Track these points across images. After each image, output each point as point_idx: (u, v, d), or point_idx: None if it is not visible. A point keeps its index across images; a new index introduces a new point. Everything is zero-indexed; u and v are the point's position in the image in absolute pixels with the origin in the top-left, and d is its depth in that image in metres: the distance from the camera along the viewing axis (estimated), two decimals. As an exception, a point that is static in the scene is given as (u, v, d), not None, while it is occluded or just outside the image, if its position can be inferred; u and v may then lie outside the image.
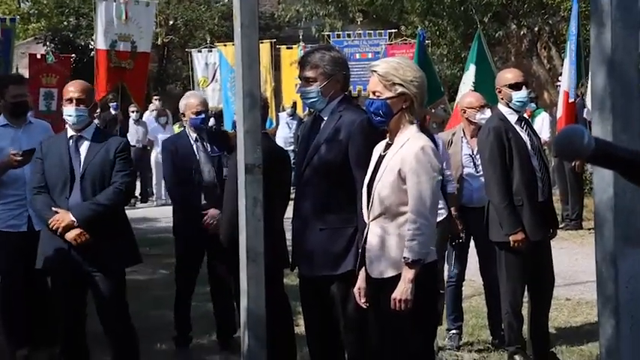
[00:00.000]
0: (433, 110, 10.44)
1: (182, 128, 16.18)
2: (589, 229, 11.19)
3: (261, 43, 13.63)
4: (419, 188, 3.91)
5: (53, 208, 5.09)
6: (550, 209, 5.88)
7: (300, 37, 17.92)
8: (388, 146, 4.10)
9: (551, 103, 16.85)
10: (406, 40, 17.52)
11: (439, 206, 4.84)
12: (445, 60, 18.76)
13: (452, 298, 6.46)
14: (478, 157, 6.22)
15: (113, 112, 15.60)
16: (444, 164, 5.79)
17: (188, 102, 6.45)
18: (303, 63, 4.72)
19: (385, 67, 4.05)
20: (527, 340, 5.86)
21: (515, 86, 5.75)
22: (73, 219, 5.03)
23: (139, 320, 5.57)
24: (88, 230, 5.03)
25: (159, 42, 25.72)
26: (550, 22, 18.21)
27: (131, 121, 16.05)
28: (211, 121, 6.74)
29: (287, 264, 5.13)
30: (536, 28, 18.69)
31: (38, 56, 15.81)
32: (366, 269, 4.12)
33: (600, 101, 3.38)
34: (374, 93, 4.07)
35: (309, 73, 4.64)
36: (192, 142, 6.38)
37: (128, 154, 5.33)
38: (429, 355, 4.29)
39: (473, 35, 11.73)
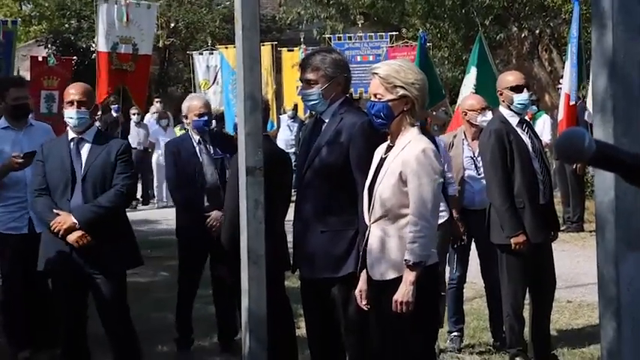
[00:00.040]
0: (434, 113, 10.44)
1: (183, 130, 16.20)
2: (590, 232, 11.18)
3: (263, 45, 13.62)
4: (420, 190, 3.91)
5: (54, 211, 5.10)
6: (551, 212, 5.88)
7: (302, 39, 17.92)
8: (389, 149, 4.10)
9: (553, 106, 16.85)
10: (407, 42, 17.53)
11: (440, 208, 4.84)
12: (446, 62, 18.77)
13: (453, 300, 6.46)
14: (479, 159, 6.23)
15: (114, 114, 15.61)
16: (445, 166, 5.79)
17: (191, 104, 6.44)
18: (304, 65, 4.72)
19: (386, 70, 4.05)
20: (529, 342, 5.86)
21: (517, 89, 5.75)
22: (75, 221, 5.04)
23: (140, 322, 5.57)
24: (90, 232, 5.03)
25: (160, 44, 25.72)
26: (551, 24, 18.22)
27: (132, 124, 16.06)
28: (212, 124, 6.71)
29: (288, 266, 5.13)
30: (537, 31, 18.69)
31: (39, 59, 15.82)
32: (367, 271, 4.12)
33: (601, 104, 3.38)
34: (375, 95, 4.07)
35: (310, 76, 4.64)
36: (195, 144, 6.37)
37: (129, 157, 5.34)
38: (430, 358, 4.29)
39: (474, 38, 11.73)
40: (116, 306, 5.20)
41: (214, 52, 18.08)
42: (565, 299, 7.74)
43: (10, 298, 6.05)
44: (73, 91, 5.28)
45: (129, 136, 15.23)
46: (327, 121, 4.66)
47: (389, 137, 4.13)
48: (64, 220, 5.05)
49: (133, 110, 15.91)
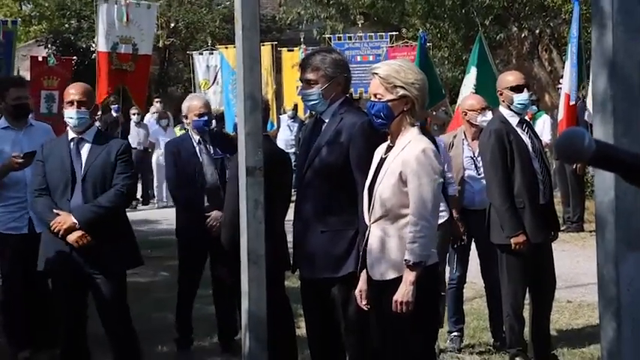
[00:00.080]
0: (434, 113, 10.46)
1: (183, 131, 16.21)
2: (590, 232, 11.18)
3: (263, 45, 13.62)
4: (420, 191, 3.91)
5: (54, 211, 5.10)
6: (551, 212, 5.88)
7: (302, 39, 17.92)
8: (389, 149, 4.10)
9: (553, 106, 16.85)
10: (407, 42, 17.53)
11: (440, 208, 4.84)
12: (446, 62, 18.77)
13: (453, 300, 6.46)
14: (479, 159, 6.23)
15: (114, 114, 15.61)
16: (445, 166, 5.79)
17: (191, 104, 6.44)
18: (304, 65, 4.72)
19: (386, 70, 4.05)
20: (529, 342, 5.86)
21: (517, 89, 5.75)
22: (75, 221, 5.04)
23: (140, 322, 5.57)
24: (90, 232, 5.03)
25: (160, 44, 25.72)
26: (551, 24, 18.21)
27: (132, 124, 16.06)
28: (212, 124, 6.71)
29: (288, 266, 5.14)
30: (537, 31, 18.69)
31: (39, 59, 15.82)
32: (367, 271, 4.12)
33: (601, 104, 3.38)
34: (375, 95, 4.07)
35: (310, 76, 4.64)
36: (195, 144, 6.37)
37: (129, 157, 5.34)
38: (430, 358, 4.29)
39: (474, 38, 11.73)
40: (116, 306, 5.20)
41: (214, 52, 18.09)
42: (565, 299, 7.74)
43: (10, 298, 6.05)
44: (73, 91, 5.28)
45: (129, 136, 15.23)
46: (327, 121, 4.66)
47: (389, 137, 4.13)
48: (64, 220, 5.05)
49: (132, 110, 15.92)
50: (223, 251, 5.37)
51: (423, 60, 10.18)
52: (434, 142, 4.81)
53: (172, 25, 26.79)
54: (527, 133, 5.75)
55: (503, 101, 5.80)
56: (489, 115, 6.34)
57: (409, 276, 3.88)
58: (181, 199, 6.44)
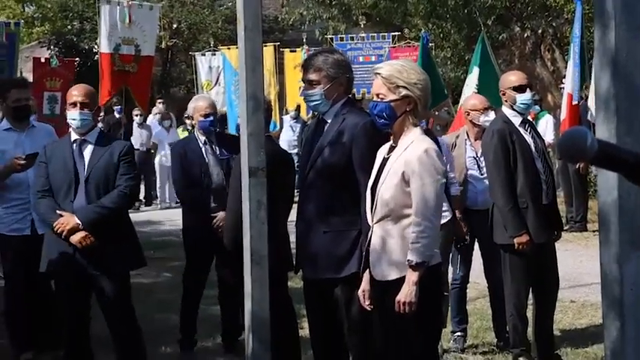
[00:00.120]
0: (437, 113, 10.44)
1: (186, 132, 16.22)
2: (593, 231, 11.17)
3: (265, 46, 13.63)
4: (423, 191, 3.90)
5: (58, 211, 5.10)
6: (554, 211, 5.87)
7: (304, 40, 17.92)
8: (392, 149, 4.10)
9: (555, 106, 16.83)
10: (410, 42, 17.54)
11: (443, 209, 4.83)
12: (449, 63, 18.76)
13: (456, 300, 6.46)
14: (482, 159, 6.22)
15: (117, 115, 15.62)
16: (448, 167, 5.78)
17: (197, 105, 6.44)
18: (306, 66, 4.72)
19: (389, 70, 4.05)
20: (532, 342, 5.86)
21: (519, 89, 5.74)
22: (78, 222, 5.04)
23: (143, 323, 5.57)
24: (93, 233, 5.04)
25: (163, 45, 25.75)
26: (554, 24, 18.20)
27: (135, 125, 16.07)
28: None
29: (291, 267, 5.13)
30: (539, 31, 18.67)
31: (42, 60, 15.82)
32: (370, 272, 4.12)
33: (604, 103, 3.38)
34: (378, 95, 4.07)
35: (313, 76, 4.64)
36: (200, 145, 6.38)
37: (132, 158, 5.35)
38: (433, 358, 4.29)
39: (476, 38, 11.72)
40: (120, 307, 5.21)
41: (217, 52, 18.10)
42: (568, 299, 7.74)
43: (12, 299, 6.05)
44: (76, 93, 5.28)
45: (131, 137, 15.24)
46: (329, 121, 4.65)
47: (391, 137, 4.13)
48: (67, 220, 5.05)
49: (135, 111, 15.93)
50: (227, 252, 5.38)
51: (426, 60, 10.19)
52: (436, 142, 4.81)
53: (175, 26, 26.82)
54: (529, 133, 5.75)
55: (506, 101, 5.80)
56: (492, 115, 6.33)
57: (412, 276, 3.88)
58: (188, 200, 6.46)
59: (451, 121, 10.45)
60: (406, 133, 4.04)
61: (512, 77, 5.86)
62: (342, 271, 4.49)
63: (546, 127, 12.38)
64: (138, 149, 14.41)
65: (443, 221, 4.92)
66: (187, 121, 16.02)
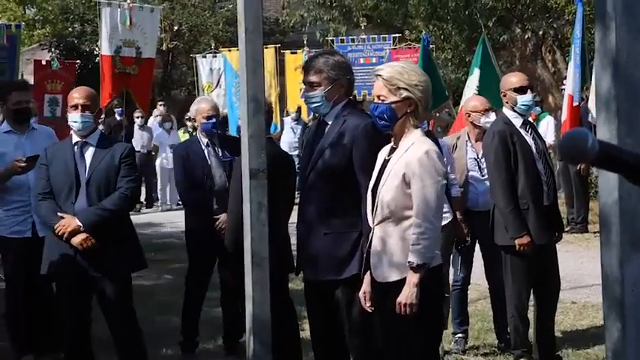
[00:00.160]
0: (437, 114, 10.44)
1: (186, 134, 16.21)
2: (594, 233, 11.17)
3: (266, 48, 13.61)
4: (423, 192, 3.90)
5: (59, 214, 5.10)
6: (555, 213, 5.87)
7: (305, 42, 17.93)
8: (393, 150, 4.10)
9: (556, 107, 16.83)
10: (410, 44, 17.53)
11: (444, 210, 4.84)
12: (450, 64, 18.76)
13: (457, 301, 6.46)
14: (483, 160, 6.22)
15: (118, 117, 15.63)
16: (448, 168, 5.78)
17: (199, 107, 6.45)
18: (307, 68, 4.72)
19: (390, 72, 4.05)
20: (533, 343, 5.85)
21: (520, 90, 5.74)
22: (79, 224, 5.05)
23: (144, 325, 5.57)
24: (94, 235, 5.04)
25: (163, 48, 25.77)
26: (554, 25, 18.19)
27: (136, 127, 16.08)
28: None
29: (292, 268, 5.13)
30: (540, 32, 18.67)
31: (43, 62, 15.83)
32: (371, 273, 4.12)
33: (605, 105, 3.38)
34: (378, 97, 4.07)
35: (313, 78, 4.64)
36: (203, 147, 6.38)
37: (133, 160, 5.35)
38: (434, 359, 4.28)
39: (477, 39, 11.71)
40: (121, 309, 5.21)
41: (217, 55, 18.11)
42: (569, 300, 7.73)
43: (13, 301, 6.05)
44: (77, 95, 5.29)
45: (132, 140, 15.24)
46: (330, 123, 4.65)
47: (392, 139, 4.13)
48: (68, 222, 5.06)
49: (136, 113, 15.94)
50: (229, 254, 5.38)
51: (426, 62, 10.18)
52: (437, 143, 4.81)
53: (176, 28, 26.83)
54: (530, 134, 5.75)
55: (507, 102, 5.80)
56: (493, 116, 6.33)
57: (413, 278, 3.88)
58: (190, 202, 6.46)
59: (452, 122, 10.44)
60: (407, 135, 4.04)
61: (513, 78, 5.86)
62: (343, 273, 4.49)
63: (547, 128, 12.39)
64: (139, 151, 14.43)
65: (444, 223, 4.92)
66: (188, 123, 16.06)
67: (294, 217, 4.98)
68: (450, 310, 6.38)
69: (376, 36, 17.93)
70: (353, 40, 17.56)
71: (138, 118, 16.01)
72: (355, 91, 10.16)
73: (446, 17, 18.20)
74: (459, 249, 6.41)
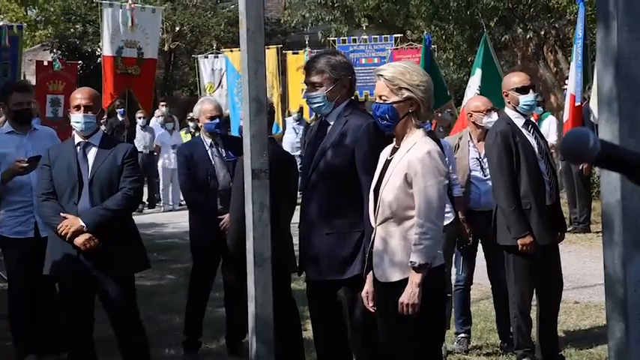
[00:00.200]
0: (439, 114, 10.45)
1: (188, 134, 16.21)
2: (597, 232, 11.17)
3: (268, 48, 13.64)
4: (425, 192, 3.90)
5: (62, 214, 5.11)
6: (558, 212, 5.87)
7: (306, 42, 17.95)
8: (394, 150, 4.10)
9: (558, 107, 16.83)
10: (412, 44, 17.54)
11: (446, 210, 4.84)
12: (451, 64, 18.74)
13: (460, 301, 6.46)
14: (485, 160, 6.22)
15: (120, 118, 15.66)
16: (450, 168, 5.79)
17: (203, 107, 6.46)
18: (308, 68, 4.72)
19: (392, 72, 4.05)
20: (536, 343, 5.85)
21: (522, 90, 5.74)
22: (82, 224, 5.05)
23: (146, 326, 5.58)
24: (97, 235, 5.04)
25: (165, 48, 25.80)
26: (556, 25, 18.17)
27: (138, 127, 16.09)
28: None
29: (294, 268, 5.13)
30: (542, 32, 18.65)
31: (45, 63, 15.87)
32: (373, 273, 4.12)
33: (607, 104, 3.38)
34: (380, 97, 4.07)
35: (315, 78, 4.64)
36: (207, 147, 6.38)
37: (136, 160, 5.36)
38: (436, 359, 4.28)
39: (479, 39, 11.72)
40: (124, 309, 5.21)
41: (219, 55, 18.12)
42: (572, 300, 7.73)
43: (16, 302, 6.06)
44: (80, 96, 5.29)
45: (134, 140, 15.27)
46: (332, 123, 4.65)
47: (394, 139, 4.13)
48: (71, 223, 5.06)
49: (138, 114, 15.96)
50: (232, 254, 5.38)
51: (428, 62, 10.20)
52: (438, 143, 4.81)
53: (177, 28, 26.85)
54: (532, 134, 5.75)
55: (509, 102, 5.80)
56: (495, 116, 6.33)
57: (415, 278, 3.88)
58: (194, 203, 6.46)
59: (454, 122, 10.45)
60: (409, 135, 4.04)
61: (515, 78, 5.86)
62: (346, 273, 4.49)
63: (549, 128, 12.38)
64: (141, 152, 14.43)
65: (446, 223, 4.93)
66: (190, 124, 16.08)
67: (296, 218, 4.99)
68: (453, 310, 6.38)
69: (378, 36, 17.94)
70: (355, 41, 17.57)
71: (140, 118, 16.02)
72: (357, 92, 10.14)
73: (447, 17, 18.18)
74: (461, 249, 6.41)
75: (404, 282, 3.91)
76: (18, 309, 6.05)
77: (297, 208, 5.04)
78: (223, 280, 6.41)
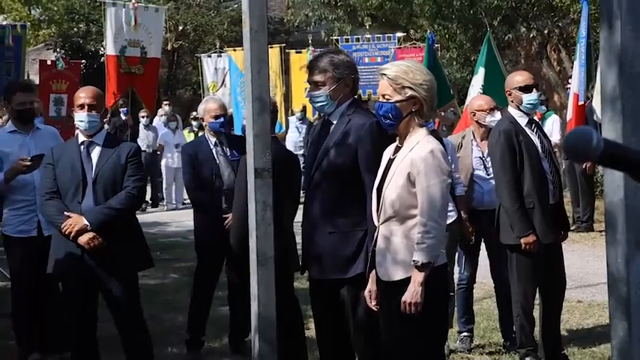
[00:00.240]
0: (443, 113, 10.44)
1: (192, 133, 16.21)
2: (600, 231, 11.16)
3: (271, 47, 13.65)
4: (428, 191, 3.90)
5: (65, 213, 5.11)
6: (561, 211, 5.87)
7: (310, 41, 17.95)
8: (398, 149, 4.10)
9: (562, 106, 16.81)
10: (415, 43, 17.54)
11: (449, 209, 4.84)
12: (455, 63, 18.73)
13: (463, 300, 6.46)
14: (488, 159, 6.22)
15: (123, 117, 15.68)
16: (453, 167, 5.79)
17: (207, 106, 6.46)
18: (311, 67, 4.72)
19: (395, 71, 4.05)
20: (539, 342, 5.85)
21: (526, 89, 5.74)
22: (86, 223, 5.06)
23: (150, 324, 5.59)
24: (101, 234, 5.05)
25: (168, 47, 25.82)
26: (560, 24, 18.16)
27: (141, 127, 16.11)
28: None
29: (297, 267, 5.14)
30: (545, 31, 18.63)
31: (48, 62, 15.88)
32: (376, 272, 4.13)
33: (610, 103, 3.38)
34: (383, 96, 4.07)
35: (318, 77, 4.64)
36: (211, 146, 6.39)
37: (139, 159, 5.36)
38: (439, 358, 4.28)
39: (482, 38, 11.72)
40: (128, 307, 5.21)
41: (222, 54, 18.14)
42: (575, 299, 7.73)
43: (19, 301, 6.07)
44: (84, 95, 5.30)
45: (138, 139, 15.28)
46: (335, 122, 4.65)
47: (397, 138, 4.13)
48: (75, 221, 5.07)
49: (141, 113, 15.98)
50: (234, 253, 5.38)
51: (431, 61, 10.18)
52: (441, 142, 4.81)
53: (180, 28, 26.88)
54: (536, 133, 5.74)
55: (512, 101, 5.80)
56: (498, 115, 6.33)
57: (418, 277, 3.88)
58: (199, 202, 6.46)
59: (457, 121, 10.44)
60: (412, 134, 4.04)
61: (519, 77, 5.85)
62: (349, 272, 4.50)
63: (553, 127, 12.38)
64: (144, 151, 14.45)
65: (448, 221, 4.93)
66: (194, 123, 16.08)
67: (299, 216, 4.99)
68: (455, 308, 6.38)
69: (381, 35, 17.94)
70: (358, 40, 17.57)
71: (143, 117, 16.04)
72: (360, 91, 10.14)
73: (451, 16, 18.17)
74: (464, 248, 6.41)
75: (407, 281, 3.92)
76: (21, 308, 6.06)
77: (300, 207, 5.05)
78: (227, 279, 6.42)
